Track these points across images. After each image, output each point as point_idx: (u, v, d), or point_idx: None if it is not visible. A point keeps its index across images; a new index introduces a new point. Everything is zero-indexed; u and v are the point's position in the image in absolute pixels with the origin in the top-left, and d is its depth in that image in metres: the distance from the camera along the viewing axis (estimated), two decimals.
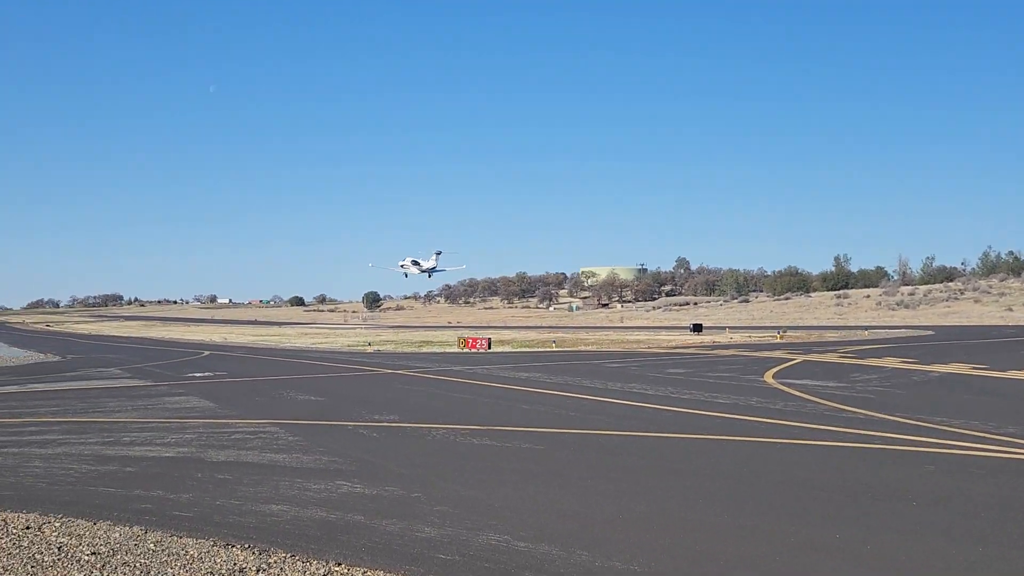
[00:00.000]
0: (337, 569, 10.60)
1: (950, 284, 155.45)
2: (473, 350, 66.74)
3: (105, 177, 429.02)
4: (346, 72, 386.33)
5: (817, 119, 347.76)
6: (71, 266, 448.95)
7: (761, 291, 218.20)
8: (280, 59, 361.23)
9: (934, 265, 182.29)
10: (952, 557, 10.66)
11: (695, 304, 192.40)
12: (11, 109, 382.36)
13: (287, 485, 15.03)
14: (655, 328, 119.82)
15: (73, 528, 12.53)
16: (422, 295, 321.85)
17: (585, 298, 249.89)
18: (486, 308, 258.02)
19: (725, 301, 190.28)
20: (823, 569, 10.34)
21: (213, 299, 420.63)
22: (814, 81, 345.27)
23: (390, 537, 11.83)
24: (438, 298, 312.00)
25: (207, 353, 68.07)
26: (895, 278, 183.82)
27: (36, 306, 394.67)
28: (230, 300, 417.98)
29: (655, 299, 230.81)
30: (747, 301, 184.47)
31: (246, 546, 11.49)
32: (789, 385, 30.46)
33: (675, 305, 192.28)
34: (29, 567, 10.73)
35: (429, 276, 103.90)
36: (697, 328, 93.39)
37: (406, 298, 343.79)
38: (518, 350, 68.03)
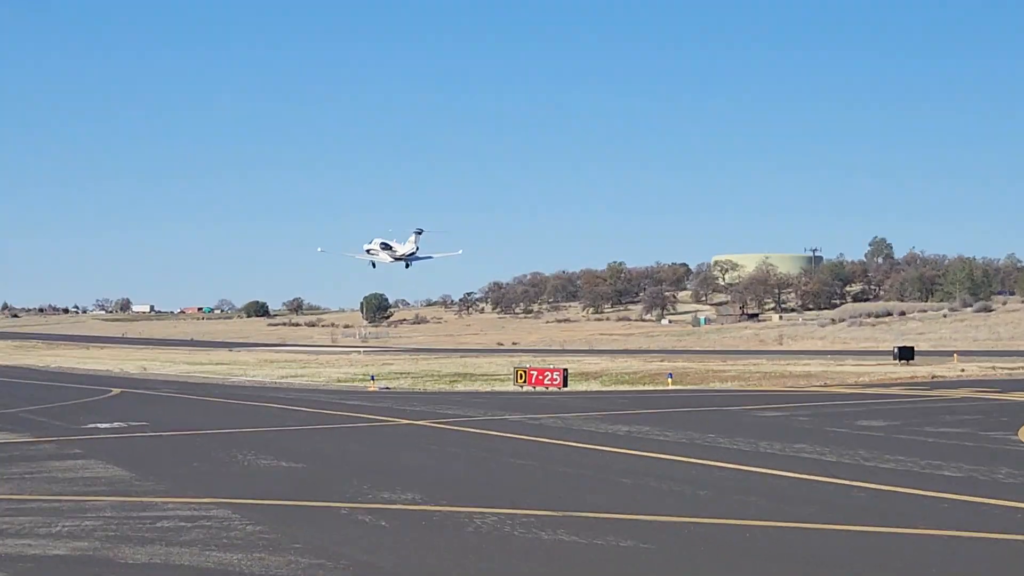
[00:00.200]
0: None
1: None
2: (539, 388, 66.70)
3: None
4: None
5: None
6: None
7: (1011, 293, 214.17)
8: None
9: None
10: None
11: (901, 315, 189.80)
12: None
13: None
14: (836, 353, 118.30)
15: None
16: (455, 300, 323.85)
17: (720, 304, 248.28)
18: (559, 321, 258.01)
19: (951, 310, 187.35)
20: None
21: (126, 307, 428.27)
22: None
23: None
24: (481, 304, 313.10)
25: (117, 391, 69.23)
26: None
27: None
28: (152, 308, 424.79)
29: (835, 305, 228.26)
30: (989, 310, 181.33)
31: None
32: None
33: (868, 316, 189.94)
34: None
35: (407, 266, 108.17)
36: (906, 354, 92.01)
37: (430, 304, 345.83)
38: (611, 388, 67.70)
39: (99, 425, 43.47)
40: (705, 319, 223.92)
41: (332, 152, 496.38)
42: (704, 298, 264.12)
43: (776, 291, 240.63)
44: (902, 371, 78.22)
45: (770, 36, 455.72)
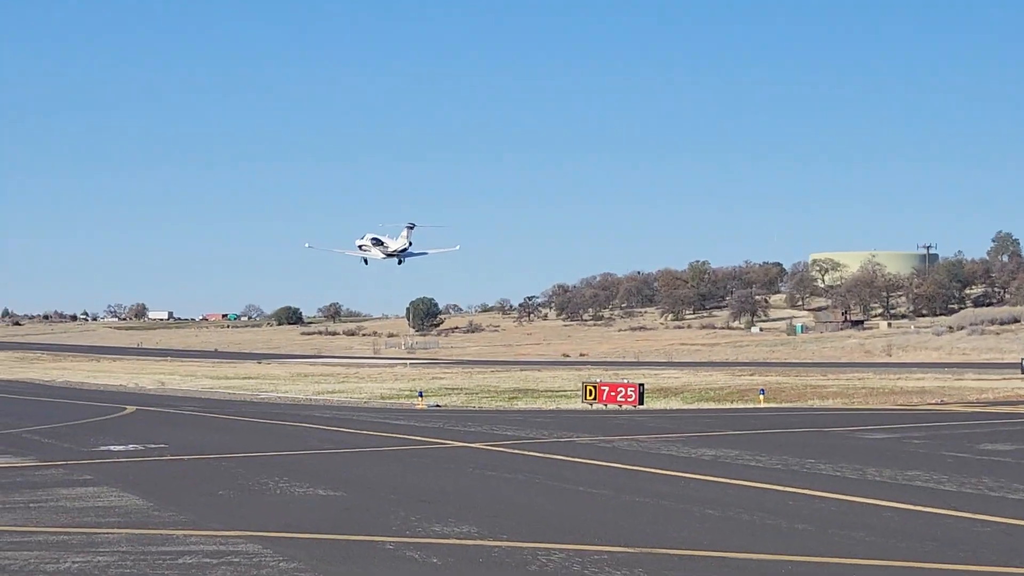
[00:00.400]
0: None
1: None
2: (610, 405, 66.60)
3: None
4: None
5: None
6: None
7: None
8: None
9: None
10: None
11: None
12: None
13: None
14: (954, 366, 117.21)
15: None
16: (514, 305, 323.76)
17: (819, 309, 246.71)
18: (633, 328, 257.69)
19: None
20: None
21: (141, 313, 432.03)
22: None
23: None
24: (544, 310, 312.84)
25: (131, 409, 69.88)
26: None
27: None
28: (170, 315, 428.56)
29: (953, 311, 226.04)
30: None
31: None
32: None
33: (991, 323, 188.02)
34: None
35: (400, 262, 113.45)
36: None
37: (485, 310, 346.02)
38: (694, 406, 67.51)
39: (112, 448, 43.88)
40: (802, 327, 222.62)
41: (368, 146, 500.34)
42: (801, 303, 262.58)
43: (884, 294, 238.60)
44: None
45: (885, 18, 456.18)
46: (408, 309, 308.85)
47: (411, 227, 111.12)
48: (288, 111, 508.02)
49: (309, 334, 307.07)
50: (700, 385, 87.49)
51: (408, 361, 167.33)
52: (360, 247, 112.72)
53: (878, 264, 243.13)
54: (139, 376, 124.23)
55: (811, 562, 19.95)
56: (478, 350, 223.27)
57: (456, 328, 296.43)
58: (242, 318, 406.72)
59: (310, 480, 32.55)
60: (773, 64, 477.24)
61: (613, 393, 68.27)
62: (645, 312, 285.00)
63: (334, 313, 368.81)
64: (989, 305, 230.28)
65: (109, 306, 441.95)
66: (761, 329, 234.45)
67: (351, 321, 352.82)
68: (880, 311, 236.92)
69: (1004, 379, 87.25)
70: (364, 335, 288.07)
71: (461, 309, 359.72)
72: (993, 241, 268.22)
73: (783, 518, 24.47)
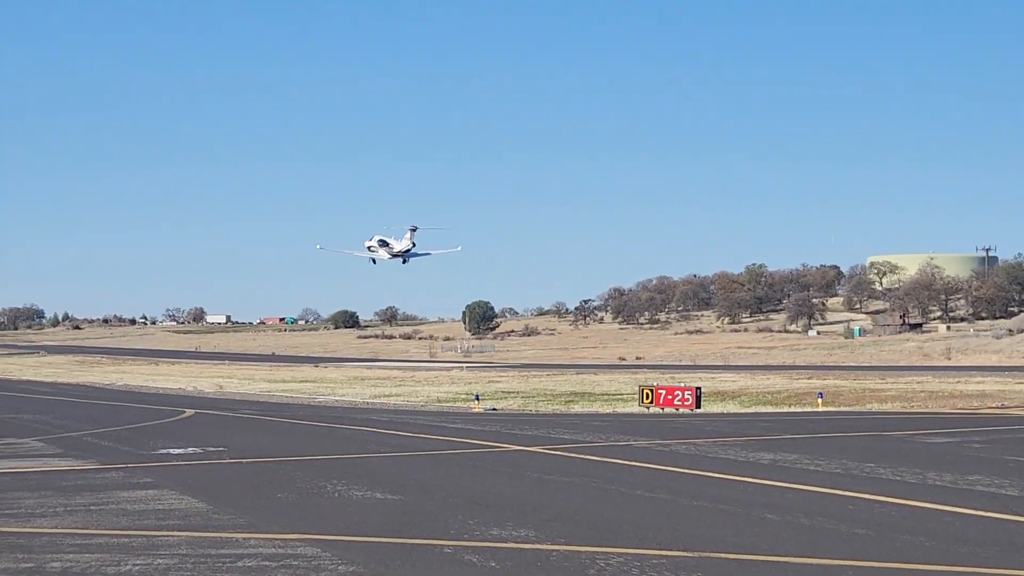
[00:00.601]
0: None
1: None
2: (667, 409, 66.48)
3: None
4: None
5: None
6: None
7: None
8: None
9: None
10: None
11: None
12: None
13: None
14: (1015, 370, 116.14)
15: None
16: (570, 308, 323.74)
17: (877, 312, 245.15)
18: (689, 332, 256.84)
19: None
20: None
21: (199, 317, 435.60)
22: None
23: None
24: (600, 313, 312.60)
25: (190, 412, 70.34)
26: None
27: None
28: (228, 319, 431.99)
29: (1012, 313, 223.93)
30: None
31: None
32: None
33: None
34: None
35: (404, 261, 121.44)
36: None
37: (541, 313, 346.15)
38: (751, 410, 67.23)
39: (171, 451, 44.23)
40: (860, 330, 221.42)
41: (420, 150, 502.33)
42: (858, 306, 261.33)
43: (943, 297, 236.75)
44: None
45: (935, 21, 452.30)
46: (464, 313, 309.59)
47: (414, 229, 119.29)
48: (352, 112, 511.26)
49: (365, 338, 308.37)
50: (757, 389, 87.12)
51: (464, 365, 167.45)
52: (369, 248, 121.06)
53: (937, 267, 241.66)
54: (197, 379, 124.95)
55: (871, 567, 19.81)
56: (534, 353, 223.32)
57: (512, 331, 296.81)
58: (299, 322, 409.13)
59: (368, 483, 32.67)
60: (837, 67, 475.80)
61: (670, 397, 68.13)
62: (701, 315, 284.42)
63: (390, 317, 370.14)
64: None
65: (167, 310, 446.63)
66: (818, 332, 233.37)
67: (407, 325, 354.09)
68: (939, 314, 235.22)
69: None
70: (420, 339, 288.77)
71: (517, 312, 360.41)
72: None
73: (843, 523, 24.33)
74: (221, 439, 49.63)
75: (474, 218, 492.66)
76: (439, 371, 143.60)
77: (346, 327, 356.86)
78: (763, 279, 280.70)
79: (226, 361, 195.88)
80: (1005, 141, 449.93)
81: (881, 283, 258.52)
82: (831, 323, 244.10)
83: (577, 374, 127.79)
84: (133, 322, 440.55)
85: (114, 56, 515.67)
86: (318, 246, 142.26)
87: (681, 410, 65.93)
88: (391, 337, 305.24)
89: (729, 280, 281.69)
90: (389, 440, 48.59)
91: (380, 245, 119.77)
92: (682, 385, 72.91)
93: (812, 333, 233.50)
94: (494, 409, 71.23)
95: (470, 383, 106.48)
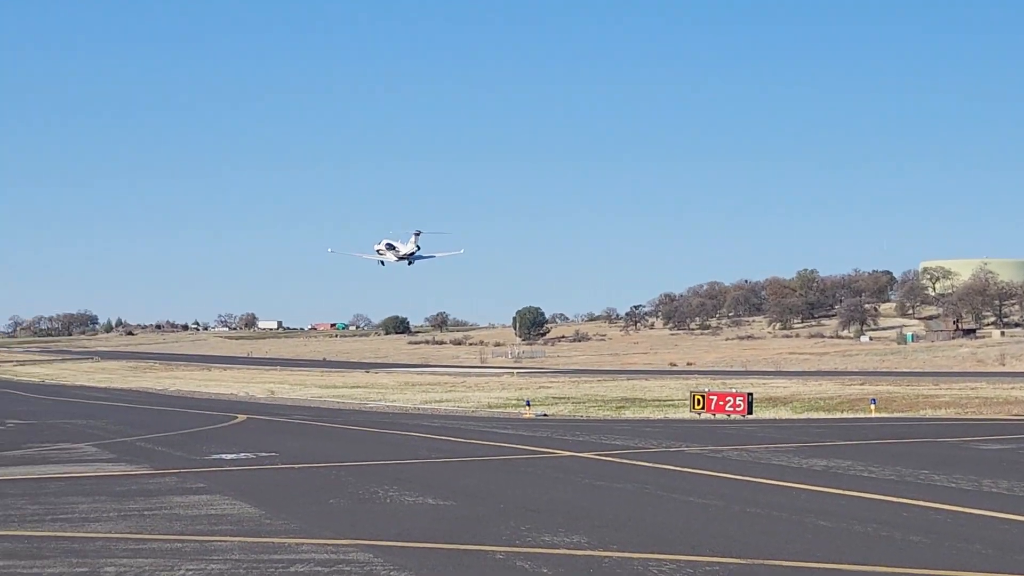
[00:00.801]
0: None
1: None
2: (719, 415, 66.34)
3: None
4: None
5: None
6: (13, 274, 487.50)
7: None
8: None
9: None
10: None
11: None
12: None
13: None
14: None
15: None
16: (620, 314, 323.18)
17: (930, 318, 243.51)
18: (741, 338, 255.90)
19: None
20: None
21: (251, 323, 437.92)
22: None
23: None
24: (651, 319, 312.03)
25: (242, 418, 70.69)
26: None
27: None
28: (280, 324, 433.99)
29: None
30: None
31: None
32: None
33: None
34: None
35: (409, 263, 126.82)
36: None
37: (592, 319, 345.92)
38: (804, 416, 66.91)
39: (224, 456, 44.41)
40: (913, 335, 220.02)
41: (466, 155, 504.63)
42: (911, 311, 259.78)
43: (997, 303, 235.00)
44: None
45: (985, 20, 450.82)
46: (514, 318, 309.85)
47: (418, 233, 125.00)
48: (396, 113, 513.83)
49: (416, 343, 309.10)
50: (809, 395, 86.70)
51: (515, 370, 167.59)
52: (377, 251, 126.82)
53: (990, 272, 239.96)
54: (249, 385, 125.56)
55: (927, 575, 19.66)
56: (585, 359, 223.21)
57: (563, 337, 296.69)
58: (350, 327, 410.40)
59: (420, 489, 32.69)
60: (895, 73, 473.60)
61: (721, 403, 67.98)
62: (753, 321, 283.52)
63: (441, 322, 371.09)
64: None
65: (219, 316, 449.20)
66: (871, 338, 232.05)
67: (458, 330, 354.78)
68: (993, 320, 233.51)
69: None
70: (471, 344, 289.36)
71: (567, 318, 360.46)
72: None
73: (897, 530, 24.15)
74: (273, 444, 49.82)
75: (526, 223, 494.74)
76: (490, 377, 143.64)
77: (397, 333, 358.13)
78: (815, 284, 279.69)
79: (278, 367, 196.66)
80: None
81: (934, 288, 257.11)
82: (883, 329, 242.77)
83: (628, 380, 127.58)
84: (185, 328, 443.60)
85: (174, 65, 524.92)
86: (329, 249, 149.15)
87: (733, 416, 65.75)
88: (442, 343, 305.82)
89: (781, 286, 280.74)
90: (440, 446, 48.65)
91: (387, 248, 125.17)
92: (733, 391, 72.67)
93: (864, 339, 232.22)
94: (545, 415, 71.22)
95: (521, 389, 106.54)
